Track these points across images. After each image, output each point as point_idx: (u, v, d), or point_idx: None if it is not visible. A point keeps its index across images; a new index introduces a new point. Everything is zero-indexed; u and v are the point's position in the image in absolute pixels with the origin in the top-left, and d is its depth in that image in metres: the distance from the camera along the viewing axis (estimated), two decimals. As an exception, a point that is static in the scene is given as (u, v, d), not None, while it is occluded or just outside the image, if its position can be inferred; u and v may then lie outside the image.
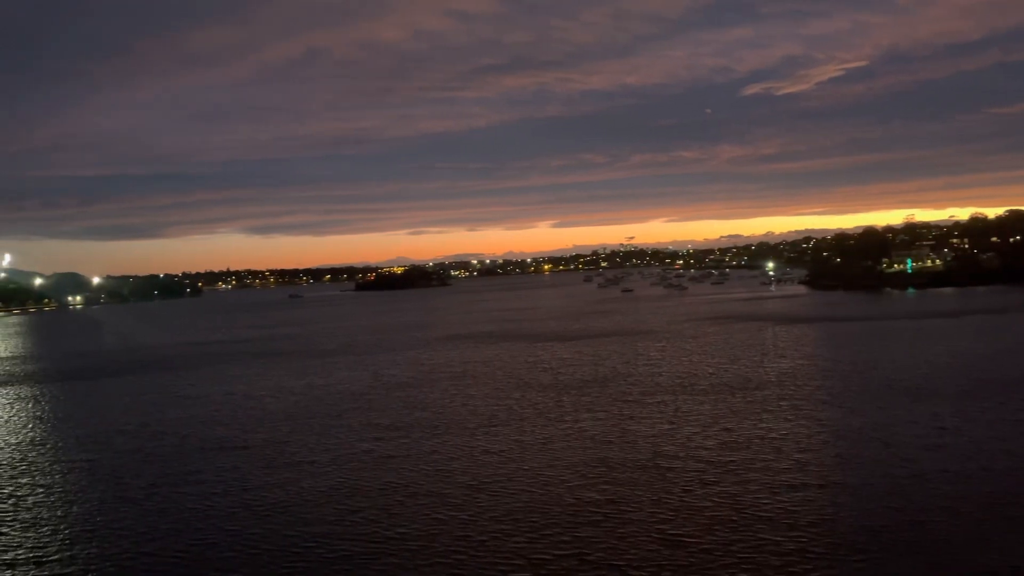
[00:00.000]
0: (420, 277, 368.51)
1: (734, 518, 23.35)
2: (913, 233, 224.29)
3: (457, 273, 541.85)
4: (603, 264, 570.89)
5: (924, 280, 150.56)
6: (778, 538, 21.59)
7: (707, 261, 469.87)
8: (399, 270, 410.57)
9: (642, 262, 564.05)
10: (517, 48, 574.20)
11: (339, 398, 49.60)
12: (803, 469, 28.20)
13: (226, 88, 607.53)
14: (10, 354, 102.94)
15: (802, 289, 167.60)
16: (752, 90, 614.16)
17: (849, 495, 25.17)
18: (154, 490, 29.99)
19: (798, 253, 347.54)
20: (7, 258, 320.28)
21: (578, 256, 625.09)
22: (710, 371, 52.48)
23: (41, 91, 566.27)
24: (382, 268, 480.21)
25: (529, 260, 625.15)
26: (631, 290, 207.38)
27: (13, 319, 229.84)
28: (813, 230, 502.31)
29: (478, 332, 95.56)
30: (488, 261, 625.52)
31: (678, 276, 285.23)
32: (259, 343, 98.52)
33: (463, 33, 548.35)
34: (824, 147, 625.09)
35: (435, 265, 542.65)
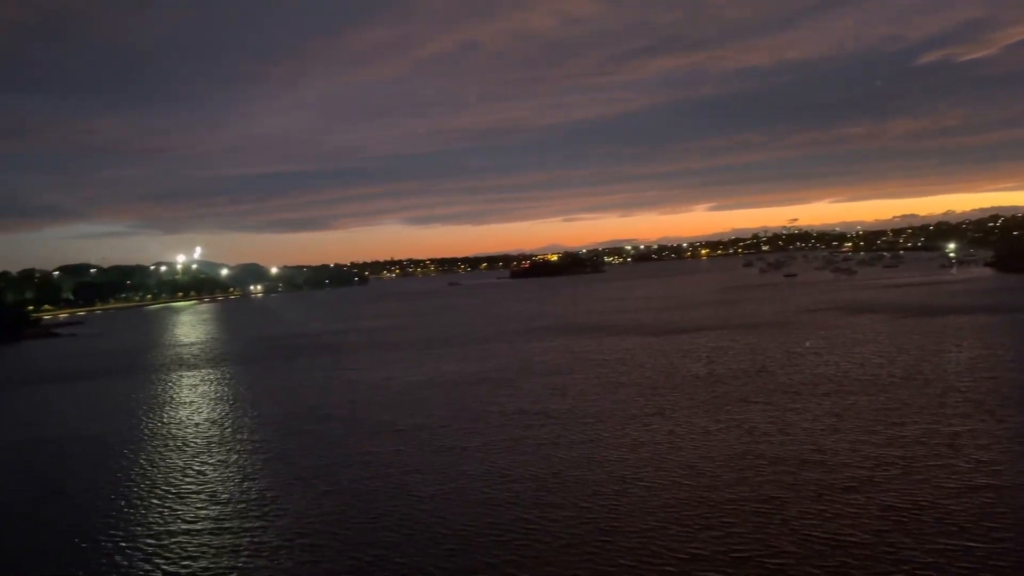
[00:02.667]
0: (573, 264, 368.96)
1: (904, 520, 21.81)
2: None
3: (611, 259, 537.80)
4: (764, 248, 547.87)
5: None
6: (953, 544, 19.95)
7: (879, 243, 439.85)
8: (553, 257, 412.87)
9: (807, 245, 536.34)
10: (668, 28, 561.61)
11: (492, 385, 50.65)
12: (983, 469, 25.86)
13: (386, 84, 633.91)
14: (200, 339, 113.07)
15: (988, 272, 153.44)
16: (929, 58, 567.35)
17: (1039, 502, 22.84)
18: (322, 471, 31.92)
19: (983, 233, 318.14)
20: (198, 251, 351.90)
21: (737, 240, 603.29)
22: (879, 362, 49.20)
23: (223, 95, 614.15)
24: (536, 255, 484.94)
25: (685, 245, 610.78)
26: (795, 275, 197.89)
27: (203, 306, 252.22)
28: (1001, 208, 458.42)
29: (629, 319, 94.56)
30: (642, 247, 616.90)
31: (846, 259, 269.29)
32: (419, 329, 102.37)
33: (612, 17, 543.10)
34: (1014, 117, 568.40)
35: (589, 251, 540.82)
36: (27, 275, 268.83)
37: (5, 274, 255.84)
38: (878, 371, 45.83)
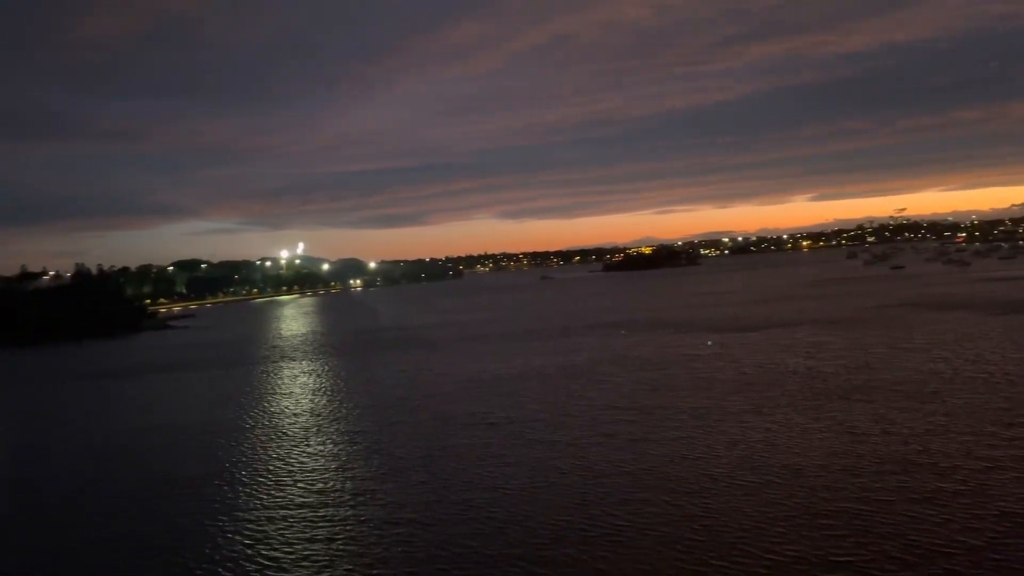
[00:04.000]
0: (668, 257, 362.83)
1: (1020, 527, 20.49)
2: None
3: (707, 252, 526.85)
4: (870, 239, 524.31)
5: None
6: (1076, 557, 18.63)
7: (996, 233, 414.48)
8: (647, 250, 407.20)
9: (916, 236, 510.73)
10: (765, 13, 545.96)
11: (584, 379, 50.36)
12: (1114, 478, 24.04)
13: (480, 79, 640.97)
14: (301, 332, 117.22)
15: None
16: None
17: None
18: (415, 462, 32.50)
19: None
20: (301, 246, 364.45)
21: (840, 231, 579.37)
22: (993, 358, 46.34)
23: (323, 94, 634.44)
24: (629, 248, 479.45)
25: (785, 236, 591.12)
26: (902, 267, 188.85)
27: (306, 300, 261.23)
28: None
29: (724, 313, 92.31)
30: (740, 239, 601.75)
31: (959, 251, 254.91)
32: (510, 322, 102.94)
33: (707, 4, 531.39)
34: None
35: (684, 244, 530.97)
36: (144, 270, 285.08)
37: (125, 269, 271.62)
38: (992, 368, 43.23)
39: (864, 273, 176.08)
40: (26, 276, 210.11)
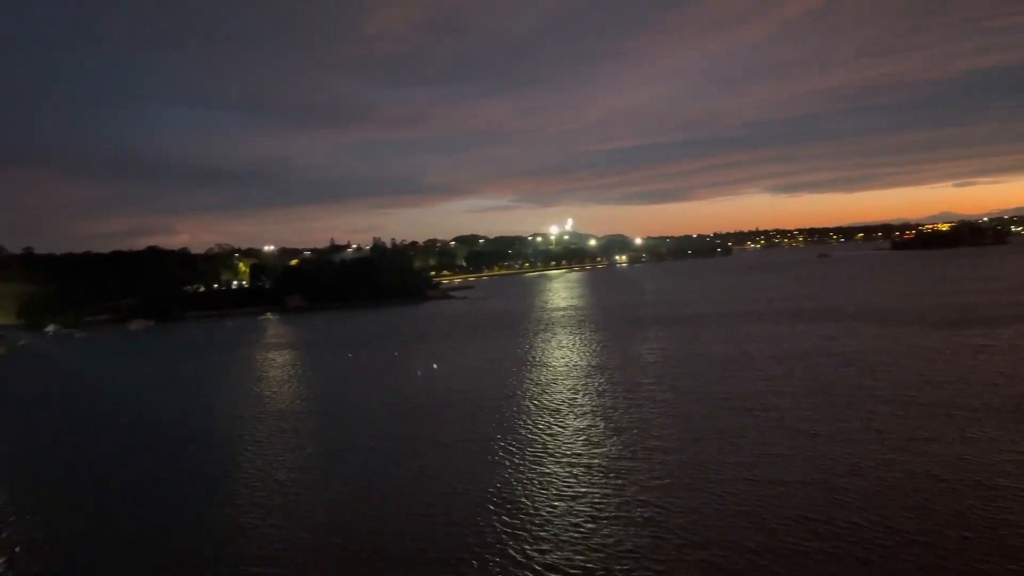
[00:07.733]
0: (970, 234, 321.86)
1: None
2: None
3: (1020, 229, 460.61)
4: None
5: None
6: None
7: None
8: (943, 227, 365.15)
9: None
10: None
11: (856, 369, 46.64)
12: None
13: (748, 49, 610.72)
14: (567, 305, 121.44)
15: None
16: None
17: None
18: (668, 443, 32.51)
19: None
20: (569, 222, 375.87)
21: None
22: None
23: (585, 73, 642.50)
24: (922, 225, 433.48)
25: None
26: None
27: (573, 275, 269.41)
28: None
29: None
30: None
31: None
32: (778, 302, 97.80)
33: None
34: None
35: (990, 220, 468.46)
36: (430, 245, 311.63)
37: (413, 243, 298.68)
38: None
39: None
40: (334, 248, 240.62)
